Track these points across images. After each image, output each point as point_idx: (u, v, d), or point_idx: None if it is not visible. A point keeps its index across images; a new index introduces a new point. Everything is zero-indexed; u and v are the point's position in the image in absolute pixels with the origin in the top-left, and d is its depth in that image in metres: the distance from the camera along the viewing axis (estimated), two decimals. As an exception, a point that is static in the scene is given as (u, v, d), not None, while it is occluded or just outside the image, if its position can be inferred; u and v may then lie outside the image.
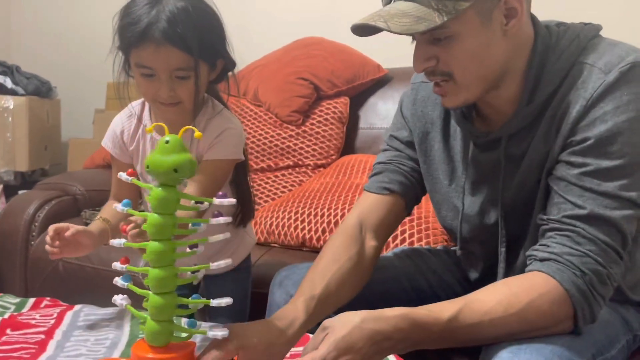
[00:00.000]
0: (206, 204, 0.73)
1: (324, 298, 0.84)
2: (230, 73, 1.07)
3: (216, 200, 0.70)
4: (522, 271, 0.87)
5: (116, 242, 0.73)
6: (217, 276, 1.18)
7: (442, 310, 0.74)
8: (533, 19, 0.85)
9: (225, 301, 0.70)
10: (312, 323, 0.82)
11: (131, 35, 0.96)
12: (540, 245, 0.79)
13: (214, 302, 0.70)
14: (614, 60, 0.78)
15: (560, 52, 0.82)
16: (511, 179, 0.87)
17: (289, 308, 0.81)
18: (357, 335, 0.70)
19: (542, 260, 0.77)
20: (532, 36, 0.83)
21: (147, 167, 0.67)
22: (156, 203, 0.68)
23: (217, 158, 1.05)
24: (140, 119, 1.10)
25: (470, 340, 0.76)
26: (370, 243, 0.96)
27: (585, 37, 0.82)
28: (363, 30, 0.80)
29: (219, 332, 0.71)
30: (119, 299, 0.74)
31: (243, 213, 1.17)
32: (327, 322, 0.73)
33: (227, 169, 1.07)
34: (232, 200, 0.71)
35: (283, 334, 0.77)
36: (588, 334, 0.78)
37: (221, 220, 0.71)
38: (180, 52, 0.95)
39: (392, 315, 0.72)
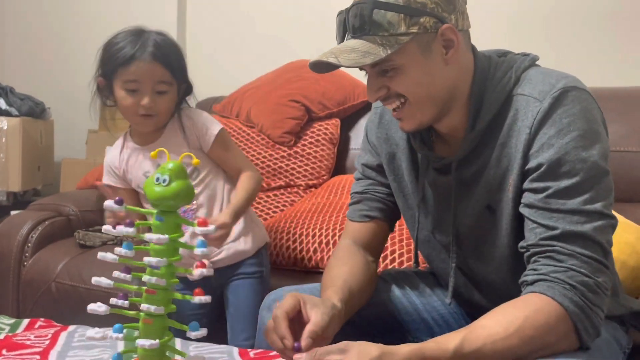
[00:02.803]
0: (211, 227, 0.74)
1: (348, 296, 0.91)
2: (188, 97, 1.32)
3: (197, 230, 0.72)
4: (474, 290, 0.95)
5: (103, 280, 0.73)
6: (236, 285, 1.32)
7: (448, 340, 0.76)
8: (473, 49, 0.92)
9: (200, 333, 0.73)
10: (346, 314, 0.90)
11: (120, 57, 1.19)
12: (528, 270, 0.83)
13: (192, 335, 0.73)
14: (546, 88, 0.84)
15: (496, 82, 0.88)
16: (464, 202, 0.93)
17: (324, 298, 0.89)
18: None
19: (532, 283, 0.80)
20: (473, 65, 0.90)
21: (151, 200, 0.71)
22: (159, 231, 0.71)
23: (213, 139, 1.29)
24: (123, 146, 1.34)
25: None
26: (369, 258, 1.04)
27: (519, 69, 0.89)
28: (319, 67, 0.87)
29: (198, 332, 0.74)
30: (96, 306, 0.73)
31: None
32: (346, 345, 0.75)
33: (225, 137, 1.33)
34: (210, 229, 0.73)
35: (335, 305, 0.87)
36: (598, 353, 0.80)
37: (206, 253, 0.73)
38: (164, 68, 1.21)
39: (405, 351, 0.75)
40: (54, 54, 3.04)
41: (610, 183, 0.83)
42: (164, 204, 0.70)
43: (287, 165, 1.93)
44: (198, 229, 0.71)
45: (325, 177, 1.92)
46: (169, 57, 1.21)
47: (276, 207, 1.85)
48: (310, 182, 1.91)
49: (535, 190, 0.83)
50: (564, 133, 0.81)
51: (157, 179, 0.69)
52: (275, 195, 1.89)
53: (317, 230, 1.52)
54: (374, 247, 1.06)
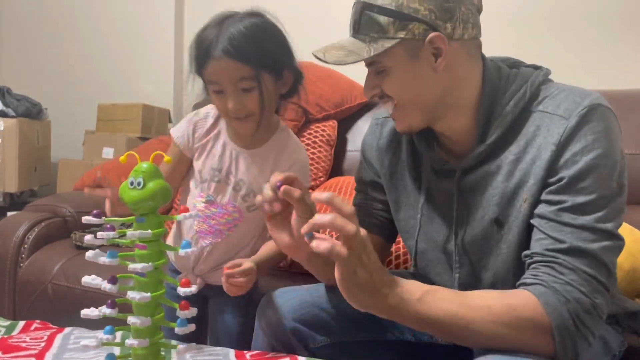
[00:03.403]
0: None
1: None
2: (300, 86, 1.12)
3: (179, 216, 0.72)
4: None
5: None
6: (221, 300, 1.17)
7: (425, 284, 0.79)
8: (483, 58, 0.91)
9: (188, 329, 0.73)
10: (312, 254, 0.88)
11: (199, 57, 1.05)
12: (527, 274, 0.82)
13: (178, 330, 0.73)
14: (571, 106, 0.84)
15: (510, 97, 0.88)
16: (467, 211, 0.92)
17: None
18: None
19: (530, 284, 0.80)
20: (478, 75, 0.90)
21: (130, 205, 0.69)
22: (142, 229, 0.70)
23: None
24: (217, 121, 1.16)
25: (443, 320, 0.77)
26: None
27: (533, 84, 0.88)
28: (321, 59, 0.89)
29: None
30: (89, 311, 0.73)
31: None
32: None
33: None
34: (192, 214, 0.74)
35: None
36: None
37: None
38: (239, 63, 1.02)
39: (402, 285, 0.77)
40: (51, 54, 3.04)
41: (623, 204, 0.83)
42: (143, 206, 0.69)
43: (284, 166, 1.92)
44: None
45: (322, 179, 1.92)
46: (245, 49, 1.01)
47: (273, 208, 1.85)
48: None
49: (550, 202, 0.83)
50: (589, 150, 0.81)
51: (132, 183, 0.69)
52: (272, 196, 1.89)
53: (314, 231, 1.52)
54: None
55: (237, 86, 1.03)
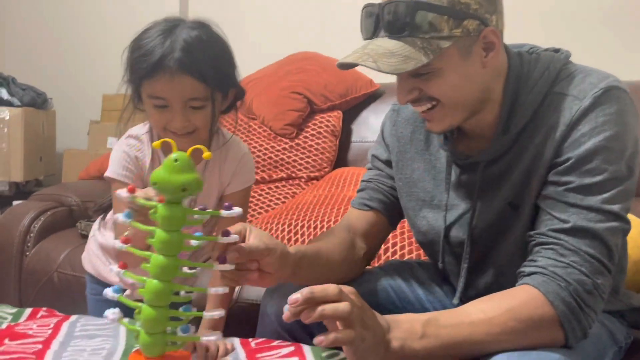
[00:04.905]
0: (234, 236, 0.74)
1: (309, 249, 0.91)
2: (239, 102, 1.08)
3: (224, 213, 0.71)
4: (483, 288, 0.93)
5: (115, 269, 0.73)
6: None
7: (422, 314, 0.78)
8: (505, 47, 0.89)
9: (217, 313, 0.72)
10: (297, 268, 0.87)
11: (144, 67, 0.94)
12: (528, 260, 0.82)
13: (207, 315, 0.73)
14: (587, 87, 0.83)
15: (533, 84, 0.86)
16: (487, 199, 0.91)
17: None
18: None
19: (529, 274, 0.80)
20: (507, 65, 0.88)
21: (155, 183, 0.67)
22: (163, 220, 0.69)
23: (244, 187, 1.11)
24: (150, 144, 1.08)
25: (450, 347, 0.76)
26: (359, 244, 1.02)
27: (555, 68, 0.87)
28: (349, 65, 0.83)
29: (212, 337, 0.74)
30: (110, 313, 0.73)
31: None
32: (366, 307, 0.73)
33: (250, 193, 1.14)
34: (239, 211, 0.71)
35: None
36: (580, 348, 0.79)
37: (231, 238, 0.73)
38: (196, 81, 0.94)
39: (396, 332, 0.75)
40: (56, 44, 3.03)
41: (632, 188, 0.82)
42: (172, 194, 0.69)
43: (288, 157, 1.93)
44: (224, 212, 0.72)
45: (327, 170, 1.92)
46: (201, 63, 0.94)
47: (278, 199, 1.85)
48: (312, 174, 1.91)
49: (557, 183, 0.82)
50: (598, 132, 0.81)
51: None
52: (276, 187, 1.89)
53: (318, 222, 1.52)
54: (368, 237, 1.04)
55: (187, 104, 0.96)
